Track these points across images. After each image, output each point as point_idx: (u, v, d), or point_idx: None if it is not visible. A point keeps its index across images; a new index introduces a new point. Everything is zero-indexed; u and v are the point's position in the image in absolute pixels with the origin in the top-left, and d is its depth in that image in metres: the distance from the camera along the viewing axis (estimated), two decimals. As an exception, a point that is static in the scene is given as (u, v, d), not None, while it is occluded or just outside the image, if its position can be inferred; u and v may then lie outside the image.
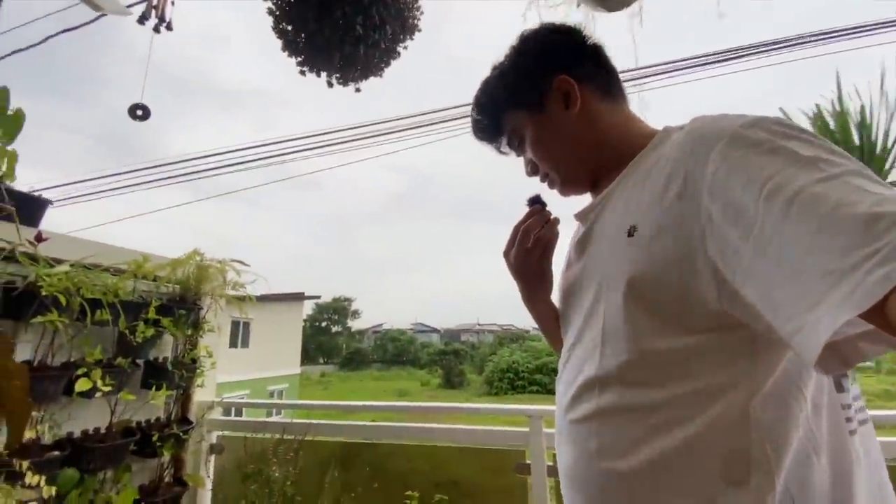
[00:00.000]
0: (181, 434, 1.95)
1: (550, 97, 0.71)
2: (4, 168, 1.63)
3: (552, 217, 0.80)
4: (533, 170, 0.79)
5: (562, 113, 0.70)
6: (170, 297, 2.05)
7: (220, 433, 2.34)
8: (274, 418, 2.48)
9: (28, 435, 1.42)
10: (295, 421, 2.11)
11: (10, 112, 1.58)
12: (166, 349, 2.14)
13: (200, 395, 2.29)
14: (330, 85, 1.41)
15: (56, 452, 1.53)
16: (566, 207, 0.78)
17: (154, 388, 1.81)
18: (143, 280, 1.97)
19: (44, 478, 1.34)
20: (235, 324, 15.25)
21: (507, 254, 0.83)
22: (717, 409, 0.49)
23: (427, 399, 29.49)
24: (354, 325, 53.47)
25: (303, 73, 1.33)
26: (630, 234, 0.57)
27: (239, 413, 2.81)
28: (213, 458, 2.31)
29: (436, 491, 1.95)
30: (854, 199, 0.38)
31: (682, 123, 0.62)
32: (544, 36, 0.76)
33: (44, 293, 1.43)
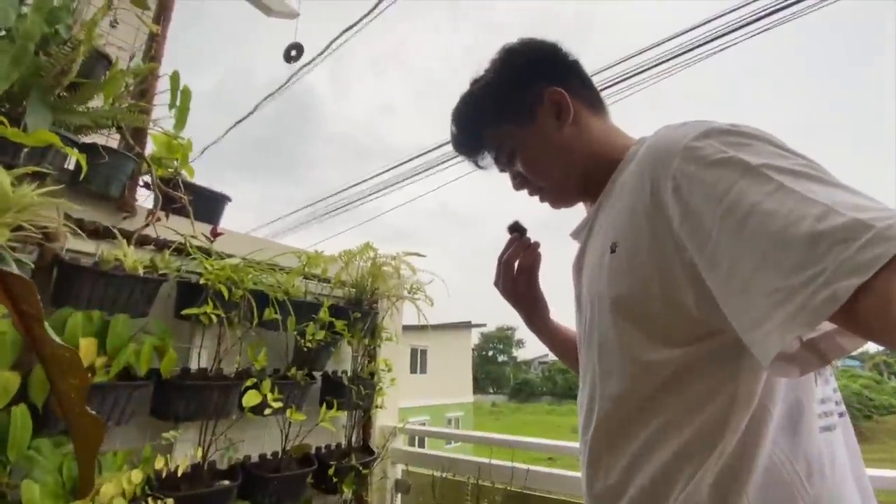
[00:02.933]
0: (360, 468, 1.57)
1: (542, 110, 0.69)
2: (178, 160, 1.53)
3: (532, 242, 0.82)
4: (521, 184, 0.76)
5: (553, 125, 0.69)
6: (345, 300, 1.75)
7: (405, 467, 1.93)
8: (452, 447, 1.95)
9: (181, 463, 1.14)
10: (497, 463, 1.56)
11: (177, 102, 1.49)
12: (345, 363, 1.84)
13: (382, 419, 1.93)
14: None
15: (226, 482, 1.26)
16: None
17: (324, 406, 1.46)
18: (316, 281, 1.72)
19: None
20: (414, 350, 16.05)
21: (496, 284, 0.86)
22: (704, 414, 0.50)
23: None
24: (519, 354, 52.63)
25: None
26: (612, 251, 0.57)
27: (422, 444, 2.39)
28: (399, 498, 1.90)
29: None
30: (799, 215, 0.38)
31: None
32: (530, 49, 0.73)
33: (202, 282, 1.18)
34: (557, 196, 0.74)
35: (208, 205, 1.62)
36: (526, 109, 0.69)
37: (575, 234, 0.73)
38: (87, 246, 1.23)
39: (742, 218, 0.41)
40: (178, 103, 1.48)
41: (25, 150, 1.09)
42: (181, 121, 1.48)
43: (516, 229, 0.83)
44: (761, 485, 0.47)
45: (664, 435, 0.52)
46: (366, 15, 5.02)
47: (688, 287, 0.49)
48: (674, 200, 0.48)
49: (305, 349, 1.42)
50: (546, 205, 0.77)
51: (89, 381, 0.40)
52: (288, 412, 1.36)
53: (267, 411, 1.30)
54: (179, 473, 1.16)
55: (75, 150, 0.99)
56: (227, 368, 1.36)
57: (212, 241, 1.50)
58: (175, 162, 1.51)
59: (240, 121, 7.18)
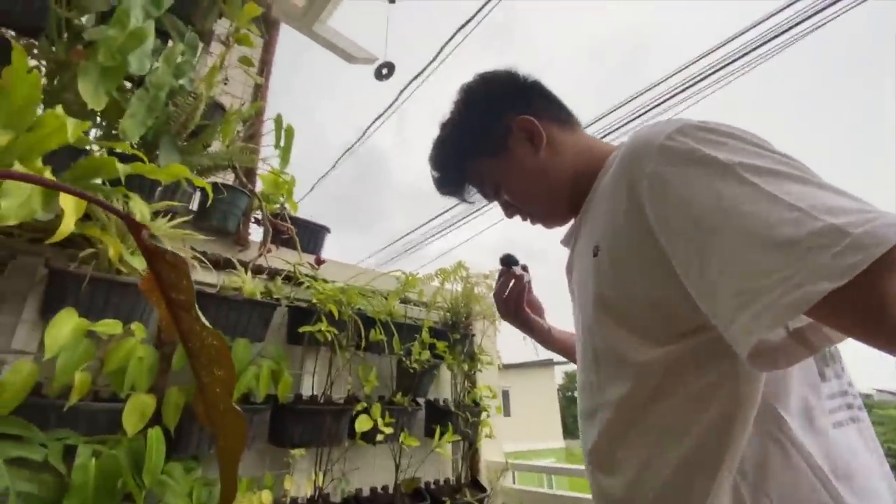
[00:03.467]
0: (476, 503, 1.44)
1: (514, 140, 0.69)
2: (284, 196, 1.62)
3: (517, 274, 0.87)
4: (511, 211, 0.76)
5: (529, 152, 0.69)
6: (441, 324, 1.70)
7: (518, 508, 1.76)
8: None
9: (306, 487, 1.10)
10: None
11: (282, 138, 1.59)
12: (445, 390, 1.76)
13: (488, 454, 1.80)
14: None
15: (342, 514, 1.20)
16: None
17: (438, 431, 1.37)
18: (412, 305, 1.69)
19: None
20: (495, 392, 15.48)
21: (498, 311, 0.93)
22: (709, 415, 0.48)
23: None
24: (610, 394, 48.65)
25: None
26: (595, 255, 0.58)
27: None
28: (514, 542, 1.72)
29: None
30: (775, 219, 0.38)
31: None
32: (487, 83, 0.74)
33: (314, 302, 1.19)
34: (548, 218, 0.74)
35: (310, 236, 1.68)
36: (498, 143, 0.70)
37: (564, 240, 0.74)
38: (207, 277, 1.30)
39: (717, 219, 0.41)
40: (282, 143, 1.59)
41: (159, 189, 1.20)
42: (285, 158, 1.57)
43: (504, 262, 0.88)
44: (786, 486, 0.45)
45: (666, 440, 0.50)
46: (430, 62, 5.28)
47: (669, 285, 0.48)
48: (650, 200, 0.48)
49: (411, 371, 1.36)
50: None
51: (235, 375, 0.37)
52: (401, 436, 1.29)
53: (379, 437, 1.24)
54: (296, 502, 1.12)
55: (203, 180, 1.06)
56: (335, 395, 1.34)
57: (317, 269, 1.54)
58: (281, 198, 1.60)
59: (322, 176, 7.76)
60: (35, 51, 1.16)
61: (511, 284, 0.88)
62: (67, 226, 0.76)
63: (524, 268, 0.89)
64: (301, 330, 1.20)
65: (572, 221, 0.73)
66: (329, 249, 1.63)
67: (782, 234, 0.37)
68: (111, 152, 1.07)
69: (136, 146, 1.21)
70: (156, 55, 1.16)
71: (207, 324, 0.45)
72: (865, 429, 0.52)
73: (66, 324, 0.91)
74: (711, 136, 0.46)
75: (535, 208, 0.73)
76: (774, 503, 0.44)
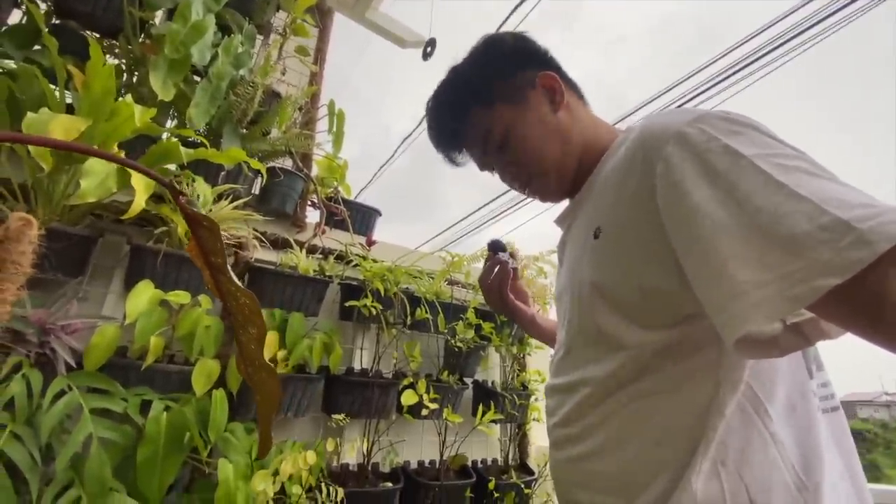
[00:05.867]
0: (522, 486, 1.43)
1: (534, 94, 0.67)
2: (337, 180, 1.68)
3: (502, 260, 0.86)
4: (513, 174, 0.71)
5: (547, 110, 0.67)
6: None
7: (569, 495, 1.72)
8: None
9: (350, 451, 1.15)
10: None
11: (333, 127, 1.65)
12: (494, 373, 1.76)
13: (537, 439, 1.78)
14: None
15: (389, 484, 1.24)
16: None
17: (480, 409, 1.38)
18: (460, 287, 1.70)
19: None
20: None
21: (486, 300, 0.93)
22: (683, 397, 0.49)
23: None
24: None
25: None
26: (596, 237, 0.57)
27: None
28: (564, 529, 1.69)
29: None
30: (785, 211, 0.39)
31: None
32: (514, 37, 0.71)
33: (362, 277, 1.23)
34: (549, 184, 0.68)
35: (362, 218, 1.74)
36: (518, 93, 0.67)
37: (559, 220, 0.73)
38: (267, 255, 1.39)
39: (728, 207, 0.42)
40: (335, 128, 1.65)
41: (223, 173, 1.29)
42: (338, 143, 1.63)
43: (490, 248, 0.88)
44: (761, 477, 0.46)
45: (640, 417, 0.51)
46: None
47: (670, 274, 0.48)
48: (662, 185, 0.48)
49: (456, 349, 1.38)
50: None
51: (266, 330, 0.42)
52: (444, 412, 1.31)
53: (424, 412, 1.27)
54: (347, 468, 1.18)
55: (258, 163, 1.13)
56: (384, 370, 1.39)
57: (368, 250, 1.59)
58: (335, 181, 1.66)
59: (383, 165, 7.95)
60: (116, 50, 1.29)
61: (496, 270, 0.87)
62: (139, 203, 0.85)
63: (512, 255, 0.89)
64: (348, 304, 1.25)
65: (567, 202, 0.71)
66: (389, 238, 1.69)
67: (791, 226, 0.38)
68: (180, 140, 1.17)
69: (202, 133, 1.31)
70: (217, 48, 1.25)
71: (239, 283, 0.48)
72: (839, 423, 0.53)
73: (144, 293, 1.02)
74: (729, 126, 0.47)
75: (541, 167, 0.67)
76: (750, 493, 0.45)
